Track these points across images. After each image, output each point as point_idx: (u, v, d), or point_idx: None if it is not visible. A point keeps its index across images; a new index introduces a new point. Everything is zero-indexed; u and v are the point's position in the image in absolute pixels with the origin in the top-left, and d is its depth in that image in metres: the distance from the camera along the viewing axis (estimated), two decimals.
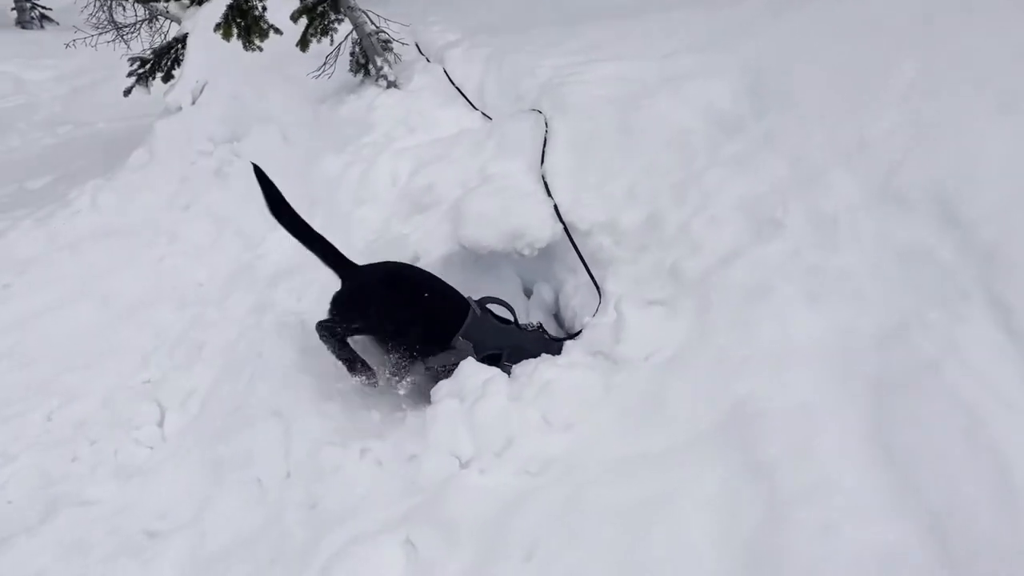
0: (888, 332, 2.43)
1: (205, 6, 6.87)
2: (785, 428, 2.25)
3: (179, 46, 7.20)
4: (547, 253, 3.49)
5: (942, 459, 2.10)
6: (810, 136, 3.19)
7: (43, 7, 17.76)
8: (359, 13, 5.37)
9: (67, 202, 6.10)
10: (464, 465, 2.51)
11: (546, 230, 3.41)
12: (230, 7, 5.15)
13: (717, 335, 2.65)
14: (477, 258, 3.53)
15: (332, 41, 5.35)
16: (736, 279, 2.82)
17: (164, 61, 7.26)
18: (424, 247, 3.49)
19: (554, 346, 3.16)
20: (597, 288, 3.24)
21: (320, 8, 5.08)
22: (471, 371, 2.79)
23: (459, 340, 3.16)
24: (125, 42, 10.49)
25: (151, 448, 3.70)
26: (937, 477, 2.08)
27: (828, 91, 3.30)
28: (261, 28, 5.16)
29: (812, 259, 2.77)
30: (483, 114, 4.66)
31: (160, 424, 3.83)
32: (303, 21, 5.12)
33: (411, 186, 3.86)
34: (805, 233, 2.87)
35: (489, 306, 3.28)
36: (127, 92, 7.35)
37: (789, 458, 2.17)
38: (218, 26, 5.22)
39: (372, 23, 5.53)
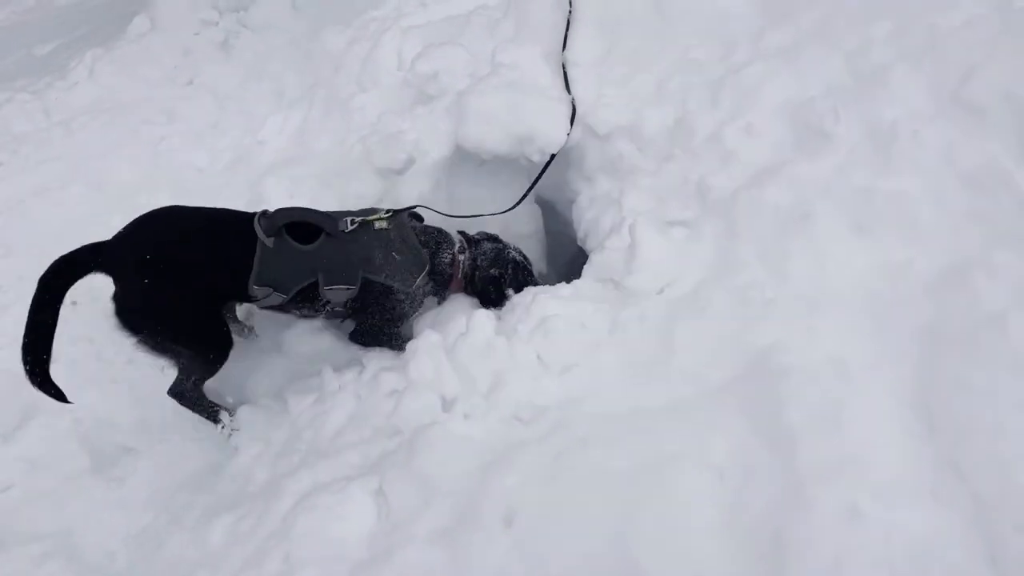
0: (946, 274, 2.09)
1: None
2: (811, 388, 1.94)
3: None
4: (560, 159, 3.08)
5: (996, 436, 1.81)
6: (871, 26, 2.71)
7: None
8: None
9: (65, 73, 5.74)
10: (447, 407, 2.25)
11: (560, 133, 2.99)
12: None
13: (742, 269, 2.30)
14: (481, 162, 3.14)
15: None
16: (770, 200, 2.44)
17: None
18: (422, 147, 3.11)
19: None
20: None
21: None
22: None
23: (255, 289, 2.53)
24: None
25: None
26: (987, 457, 1.79)
27: None
28: None
29: (862, 180, 2.37)
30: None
31: None
32: None
33: (415, 72, 3.43)
34: (857, 148, 2.46)
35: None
36: None
37: (813, 425, 1.88)
38: None
39: None
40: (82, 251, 2.57)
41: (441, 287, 2.92)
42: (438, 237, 2.90)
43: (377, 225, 2.63)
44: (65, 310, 2.56)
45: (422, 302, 2.91)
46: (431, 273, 2.82)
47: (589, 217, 2.91)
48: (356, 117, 3.76)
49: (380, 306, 2.73)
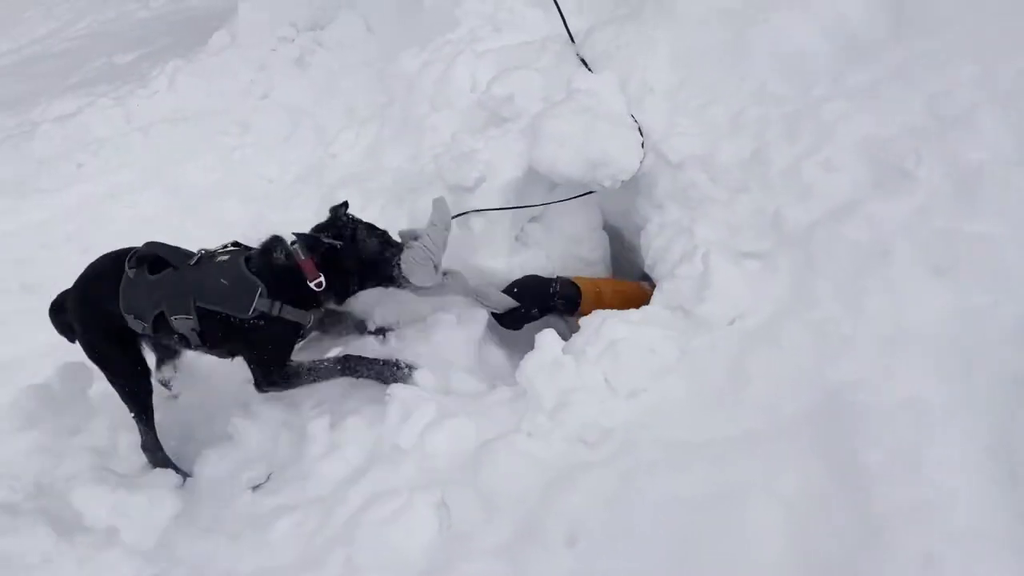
0: None
1: None
2: (889, 429, 1.90)
3: None
4: (630, 185, 3.09)
5: None
6: (957, 69, 2.67)
7: None
8: None
9: (146, 81, 5.97)
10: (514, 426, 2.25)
11: (633, 160, 2.99)
12: None
13: (818, 304, 2.27)
14: (552, 185, 3.16)
15: None
16: (849, 237, 2.41)
17: None
18: (494, 167, 3.14)
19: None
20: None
21: None
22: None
23: (127, 317, 2.75)
24: None
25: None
26: None
27: (984, 15, 2.75)
28: None
29: (943, 221, 2.33)
30: (566, 29, 4.18)
31: None
32: None
33: (490, 94, 3.48)
34: (939, 189, 2.42)
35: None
36: None
37: (891, 467, 1.83)
38: None
39: None
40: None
41: (301, 297, 2.73)
42: (272, 247, 2.79)
43: (219, 258, 2.74)
44: None
45: (294, 326, 2.76)
46: (276, 292, 2.67)
47: (658, 245, 2.91)
48: (428, 136, 3.83)
49: (244, 341, 2.74)
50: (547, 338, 2.36)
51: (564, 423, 2.19)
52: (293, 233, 2.81)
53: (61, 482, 2.78)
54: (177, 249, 2.80)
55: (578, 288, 3.07)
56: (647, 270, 3.00)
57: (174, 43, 7.55)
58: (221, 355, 2.91)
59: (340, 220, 2.84)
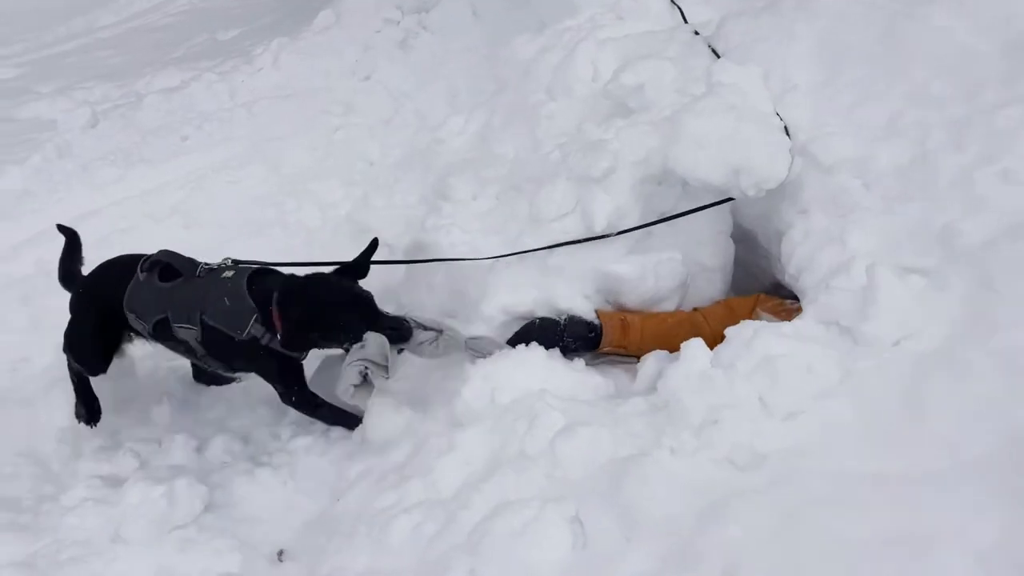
0: None
1: None
2: None
3: None
4: (773, 188, 2.87)
5: None
6: None
7: None
8: None
9: (250, 58, 5.98)
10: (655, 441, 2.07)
11: (782, 168, 2.76)
12: None
13: (1003, 330, 2.03)
14: (684, 183, 2.96)
15: None
16: None
17: None
18: (623, 159, 2.96)
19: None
20: None
21: None
22: None
23: (126, 313, 2.83)
24: None
25: None
26: None
27: None
28: None
29: None
30: (682, 15, 3.97)
31: None
32: None
33: (618, 83, 3.30)
34: None
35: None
36: None
37: None
38: None
39: None
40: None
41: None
42: (274, 280, 2.78)
43: (224, 274, 2.76)
44: None
45: (286, 354, 2.76)
46: (265, 323, 2.68)
47: (802, 253, 2.69)
48: (544, 125, 3.66)
49: (249, 362, 2.83)
50: (694, 348, 2.18)
51: (712, 442, 2.00)
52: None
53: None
54: (190, 260, 2.85)
55: (589, 324, 2.88)
56: (789, 279, 2.78)
57: (275, 21, 7.58)
58: (224, 369, 2.96)
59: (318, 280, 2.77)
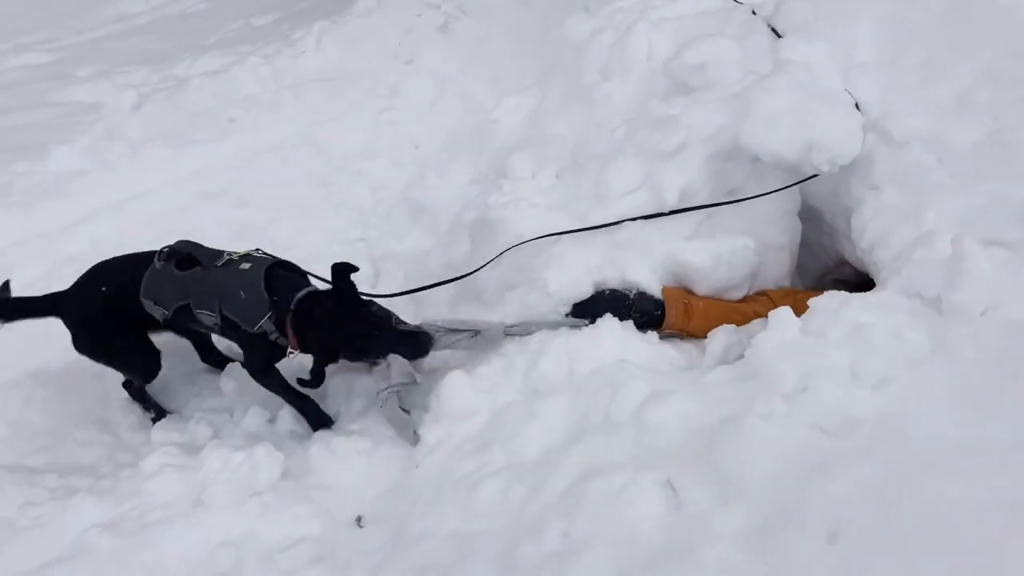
0: None
1: None
2: None
3: None
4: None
5: None
6: None
7: None
8: None
9: (292, 42, 5.99)
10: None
11: (855, 144, 2.76)
12: None
13: None
14: (754, 159, 2.96)
15: None
16: None
17: None
18: (694, 133, 2.97)
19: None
20: None
21: None
22: None
23: (144, 302, 2.86)
24: None
25: None
26: None
27: None
28: None
29: None
30: None
31: (373, 286, 3.66)
32: None
33: (679, 63, 3.30)
34: None
35: None
36: None
37: None
38: None
39: None
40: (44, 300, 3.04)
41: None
42: (291, 284, 2.84)
43: (242, 266, 2.80)
44: None
45: (284, 349, 2.82)
46: (277, 322, 2.74)
47: (875, 228, 2.69)
48: (602, 104, 3.67)
49: (245, 343, 2.90)
50: (783, 315, 2.18)
51: (805, 408, 2.01)
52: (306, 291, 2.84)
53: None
54: (207, 249, 2.91)
55: (656, 302, 2.90)
56: (860, 254, 2.79)
57: (311, 7, 7.59)
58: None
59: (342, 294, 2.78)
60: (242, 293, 2.73)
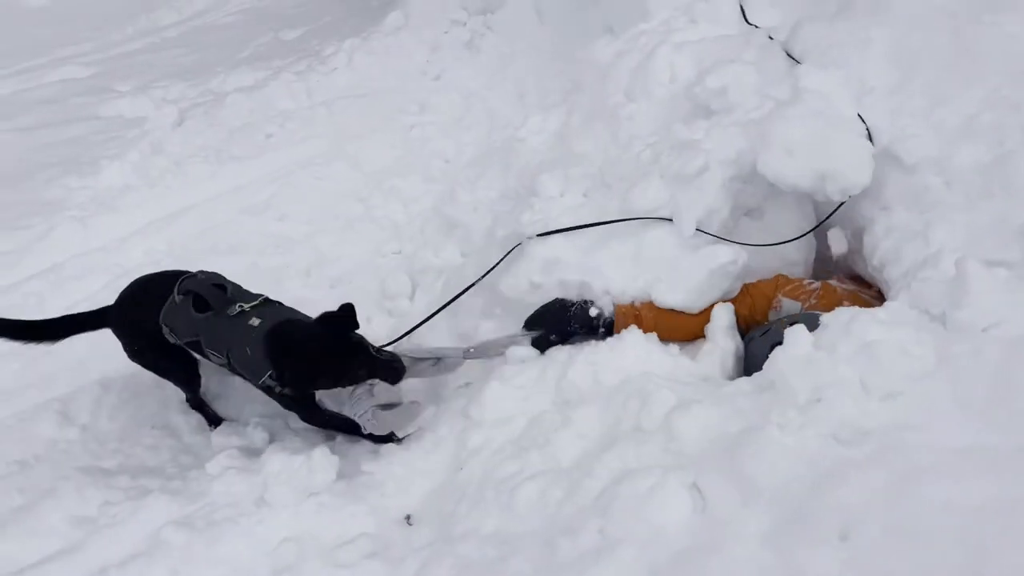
0: None
1: None
2: None
3: None
4: None
5: None
6: None
7: None
8: None
9: (323, 59, 6.22)
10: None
11: (866, 175, 2.93)
12: None
13: None
14: (770, 185, 3.14)
15: None
16: None
17: None
18: (714, 157, 3.16)
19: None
20: None
21: None
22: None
23: (162, 326, 3.05)
24: None
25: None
26: None
27: None
28: None
29: None
30: (747, 21, 4.14)
31: (411, 299, 3.88)
32: None
33: (701, 87, 3.49)
34: None
35: None
36: None
37: None
38: None
39: None
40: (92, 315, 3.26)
41: None
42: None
43: (251, 321, 2.92)
44: None
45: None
46: (278, 378, 2.86)
47: (886, 247, 2.88)
48: (626, 125, 3.86)
49: (261, 389, 3.00)
50: (798, 333, 2.38)
51: (818, 419, 2.20)
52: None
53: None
54: (220, 294, 3.02)
55: (596, 316, 3.09)
56: (872, 271, 2.97)
57: (337, 20, 7.83)
58: None
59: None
60: (248, 351, 2.88)
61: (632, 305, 3.13)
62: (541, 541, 2.25)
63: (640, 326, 3.03)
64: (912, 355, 2.25)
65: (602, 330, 3.09)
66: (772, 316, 3.06)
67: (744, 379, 2.55)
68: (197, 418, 3.35)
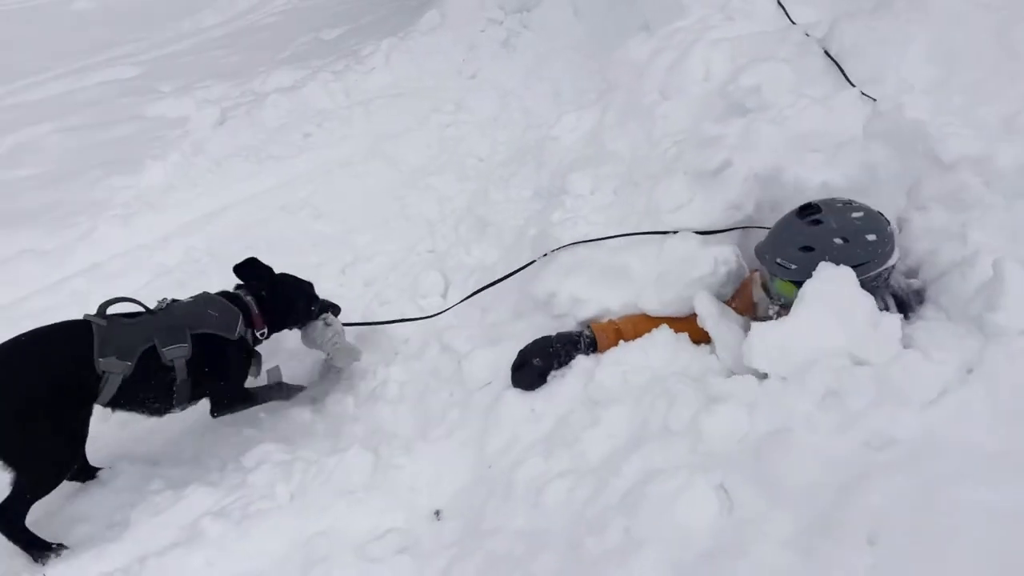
0: None
1: None
2: None
3: None
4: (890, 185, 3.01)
5: None
6: None
7: None
8: None
9: (361, 58, 6.29)
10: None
11: None
12: None
13: None
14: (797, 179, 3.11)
15: None
16: None
17: None
18: (739, 154, 3.14)
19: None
20: None
21: None
22: None
23: (100, 363, 2.79)
24: None
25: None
26: None
27: None
28: None
29: None
30: (790, 19, 4.11)
31: (443, 295, 3.91)
32: None
33: (736, 85, 3.47)
34: None
35: None
36: None
37: None
38: None
39: None
40: None
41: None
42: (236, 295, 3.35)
43: (186, 300, 3.18)
44: None
45: (252, 353, 3.33)
46: (247, 323, 3.26)
47: (922, 248, 2.83)
48: (660, 124, 3.86)
49: (216, 366, 3.11)
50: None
51: (846, 422, 2.18)
52: (237, 287, 3.41)
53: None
54: (138, 303, 3.07)
55: (577, 335, 3.08)
56: (907, 272, 2.93)
57: (377, 20, 7.92)
58: (190, 399, 3.14)
59: (264, 274, 3.45)
60: (212, 312, 3.12)
61: (611, 321, 3.13)
62: (567, 539, 2.27)
63: (621, 335, 3.03)
64: (945, 361, 2.22)
65: (590, 350, 3.05)
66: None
67: (773, 381, 2.53)
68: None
